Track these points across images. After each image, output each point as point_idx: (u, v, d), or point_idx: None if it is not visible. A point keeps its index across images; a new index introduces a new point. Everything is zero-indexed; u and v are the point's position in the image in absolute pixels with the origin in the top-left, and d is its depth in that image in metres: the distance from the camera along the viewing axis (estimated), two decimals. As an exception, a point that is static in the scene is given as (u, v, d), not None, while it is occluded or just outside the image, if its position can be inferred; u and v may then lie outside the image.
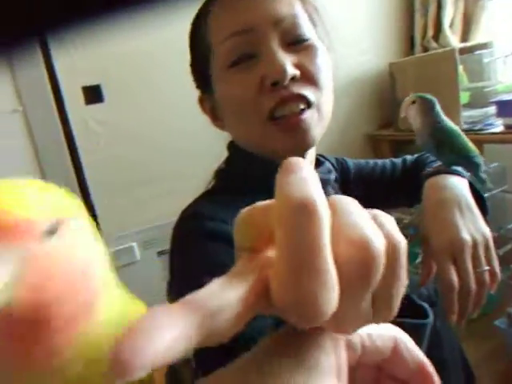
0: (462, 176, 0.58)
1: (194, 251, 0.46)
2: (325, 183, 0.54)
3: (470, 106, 1.81)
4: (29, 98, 1.46)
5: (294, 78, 0.46)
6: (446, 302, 0.48)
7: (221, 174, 0.58)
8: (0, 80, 1.40)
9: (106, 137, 1.60)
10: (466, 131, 1.65)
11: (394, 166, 0.74)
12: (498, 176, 1.28)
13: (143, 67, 1.62)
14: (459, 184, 0.56)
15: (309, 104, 0.47)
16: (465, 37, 2.05)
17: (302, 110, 0.47)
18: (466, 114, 1.74)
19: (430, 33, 2.13)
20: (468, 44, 1.86)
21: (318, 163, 0.59)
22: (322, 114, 0.49)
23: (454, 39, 2.03)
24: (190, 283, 0.42)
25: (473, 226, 0.51)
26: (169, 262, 0.51)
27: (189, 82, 1.82)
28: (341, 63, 2.10)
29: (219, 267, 0.44)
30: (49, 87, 1.48)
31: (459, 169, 0.60)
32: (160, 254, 1.57)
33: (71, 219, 0.20)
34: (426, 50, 2.16)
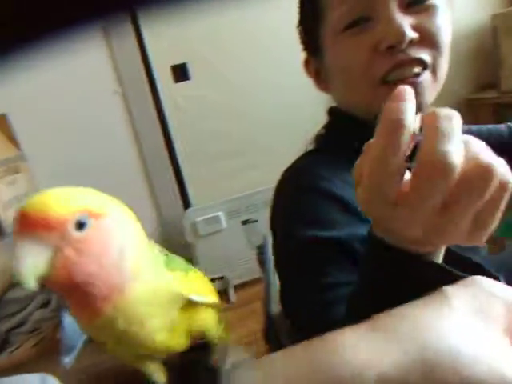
0: None
1: (303, 205, 0.47)
2: None
3: None
4: (126, 80, 1.60)
5: (411, 42, 0.44)
6: None
7: (321, 139, 0.58)
8: (101, 63, 1.55)
9: (193, 112, 1.70)
10: None
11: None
12: None
13: (227, 43, 1.66)
14: None
15: (424, 66, 0.45)
16: None
17: (417, 73, 0.45)
18: None
19: (547, -26, 1.82)
20: None
21: None
22: (437, 76, 0.47)
23: None
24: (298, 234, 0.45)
25: None
26: (274, 216, 0.53)
27: (275, 55, 1.82)
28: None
29: (328, 222, 0.45)
30: (142, 68, 1.60)
31: None
32: (244, 222, 1.65)
33: (102, 215, 0.26)
34: (540, -5, 1.85)
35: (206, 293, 0.37)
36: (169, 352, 0.34)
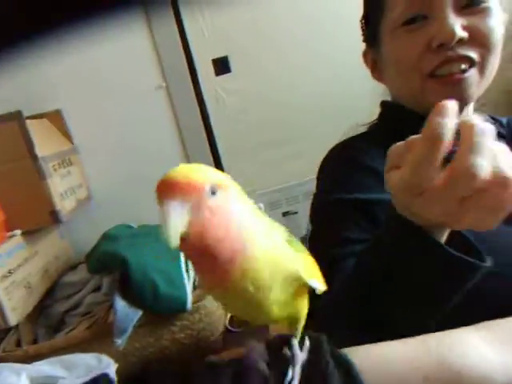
0: None
1: (337, 172, 0.56)
2: None
3: None
4: (170, 74, 1.64)
5: (461, 40, 0.48)
6: None
7: (373, 125, 0.64)
8: (146, 58, 1.61)
9: (235, 105, 1.72)
10: None
11: None
12: None
13: (267, 34, 1.66)
14: None
15: (472, 63, 0.49)
16: None
17: (464, 69, 0.49)
18: None
19: None
20: None
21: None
22: (485, 74, 0.51)
23: None
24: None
25: None
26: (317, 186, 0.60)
27: (315, 45, 1.79)
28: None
29: (354, 187, 0.51)
30: (185, 62, 1.64)
31: None
32: (285, 214, 1.66)
33: (226, 187, 0.30)
34: None
35: (321, 282, 0.38)
36: (273, 322, 0.37)
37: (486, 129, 0.31)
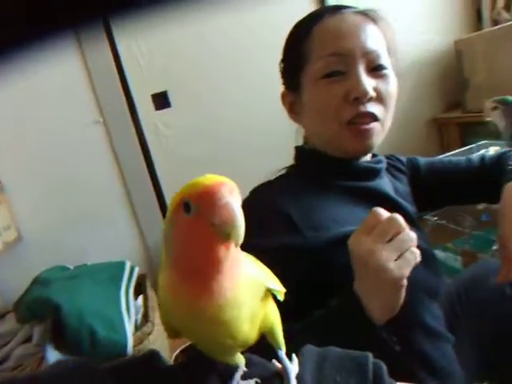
0: None
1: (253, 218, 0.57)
2: (375, 170, 0.65)
3: (550, 79, 1.65)
4: (107, 109, 1.62)
5: (370, 98, 0.58)
6: None
7: (291, 169, 0.68)
8: (82, 94, 1.58)
9: (175, 138, 1.73)
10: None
11: (470, 163, 0.76)
12: None
13: (205, 68, 1.71)
14: None
15: (376, 119, 0.59)
16: (542, 3, 1.87)
17: (369, 123, 0.59)
18: (547, 88, 1.59)
19: (501, 3, 1.97)
20: (546, 11, 1.69)
21: (373, 156, 0.69)
22: (384, 128, 0.62)
23: (529, 7, 1.86)
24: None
25: None
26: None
27: (252, 80, 1.87)
28: (403, 44, 2.02)
29: (267, 232, 0.53)
30: (123, 97, 1.63)
31: None
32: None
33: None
34: (495, 23, 2.00)
35: (278, 283, 0.37)
36: (245, 345, 0.33)
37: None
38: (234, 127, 1.76)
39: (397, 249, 0.44)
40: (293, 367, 0.34)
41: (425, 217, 1.43)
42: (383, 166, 0.67)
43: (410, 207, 0.65)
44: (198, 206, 0.28)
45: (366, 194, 0.62)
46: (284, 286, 0.50)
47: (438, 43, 2.07)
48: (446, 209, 1.40)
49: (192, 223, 0.28)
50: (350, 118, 0.58)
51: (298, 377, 0.32)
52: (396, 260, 0.44)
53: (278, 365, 0.35)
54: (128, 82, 1.63)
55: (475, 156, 0.77)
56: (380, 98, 0.59)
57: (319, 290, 0.53)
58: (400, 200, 0.64)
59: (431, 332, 0.58)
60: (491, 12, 2.03)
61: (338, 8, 0.62)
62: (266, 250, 0.51)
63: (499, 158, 0.73)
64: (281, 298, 0.36)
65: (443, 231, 1.39)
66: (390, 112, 0.62)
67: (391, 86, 0.61)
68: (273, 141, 1.71)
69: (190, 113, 1.74)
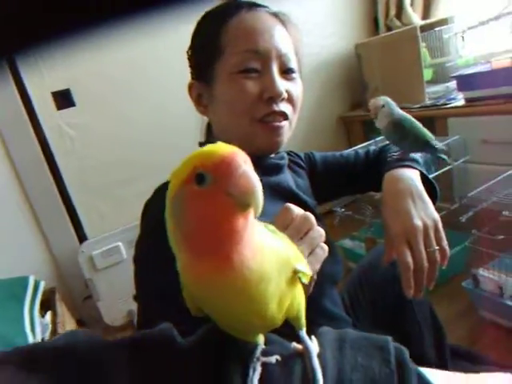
0: (415, 168, 0.67)
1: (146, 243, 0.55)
2: (279, 166, 0.67)
3: (434, 81, 1.88)
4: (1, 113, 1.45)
5: (282, 99, 0.60)
6: (404, 280, 0.56)
7: None
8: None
9: (81, 140, 1.61)
10: (431, 107, 1.73)
11: (357, 156, 0.83)
12: (460, 148, 1.35)
13: (112, 65, 1.62)
14: (412, 176, 0.65)
15: (286, 118, 0.62)
16: (426, 14, 2.11)
17: (281, 121, 0.62)
18: (430, 89, 1.81)
19: (393, 12, 2.18)
20: (429, 21, 1.91)
21: (276, 152, 0.71)
22: (291, 127, 0.65)
23: (415, 17, 2.08)
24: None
25: (423, 213, 0.59)
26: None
27: (163, 80, 1.81)
28: (309, 47, 2.14)
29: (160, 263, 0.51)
30: (17, 95, 1.48)
31: (415, 159, 0.69)
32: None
33: None
34: (390, 29, 2.21)
35: (305, 264, 0.35)
36: (271, 327, 0.31)
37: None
38: (145, 127, 1.70)
39: (309, 246, 0.46)
40: (314, 347, 0.32)
41: (333, 209, 1.54)
42: (286, 161, 0.70)
43: (311, 200, 0.69)
44: (215, 177, 0.26)
45: (271, 189, 0.63)
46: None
47: (341, 47, 2.22)
48: (352, 200, 1.53)
49: (207, 194, 0.26)
50: (262, 116, 0.60)
51: (319, 356, 0.31)
52: (308, 256, 0.46)
53: (297, 345, 0.33)
54: (23, 79, 1.48)
55: (362, 150, 0.84)
56: (290, 100, 0.62)
57: None
58: (301, 194, 0.67)
59: (332, 317, 0.63)
60: (385, 19, 2.24)
61: (254, 5, 0.63)
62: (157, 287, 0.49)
63: (381, 151, 0.81)
64: (306, 280, 0.34)
65: (350, 222, 1.51)
66: (297, 113, 0.65)
67: (299, 89, 0.64)
68: (185, 141, 1.69)
69: (97, 112, 1.63)
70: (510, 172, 1.11)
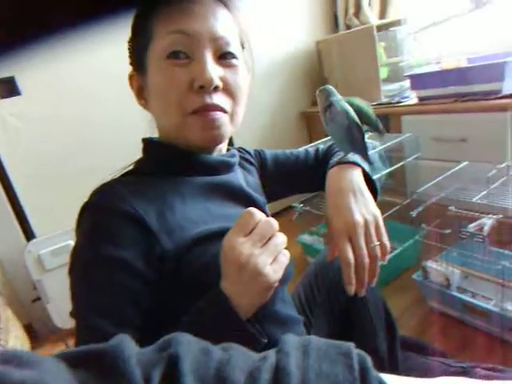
0: (357, 164, 0.66)
1: (96, 224, 0.51)
2: (229, 164, 0.63)
3: (389, 80, 1.94)
4: None
5: (216, 88, 0.54)
6: (344, 276, 0.56)
7: (140, 164, 0.62)
8: None
9: (28, 131, 1.51)
10: (386, 104, 1.78)
11: (307, 155, 0.82)
12: (412, 145, 1.40)
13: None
14: (354, 173, 0.65)
15: (224, 112, 0.56)
16: (383, 14, 2.17)
17: (216, 113, 0.56)
18: (386, 88, 1.87)
19: (351, 10, 2.22)
20: (385, 21, 1.97)
21: (227, 151, 0.68)
22: (234, 121, 0.59)
23: (372, 16, 2.13)
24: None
25: (365, 209, 0.59)
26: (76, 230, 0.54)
27: (110, 77, 1.73)
28: (272, 43, 2.14)
29: (117, 240, 0.48)
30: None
31: (356, 158, 0.68)
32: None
33: None
34: (349, 27, 2.25)
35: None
36: None
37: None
38: (97, 119, 1.62)
39: (272, 252, 0.46)
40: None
41: (292, 204, 1.55)
42: (237, 159, 0.67)
43: (261, 199, 0.67)
44: None
45: (220, 189, 0.60)
46: (142, 297, 0.48)
47: (303, 43, 2.23)
48: (311, 196, 1.54)
49: None
50: (194, 109, 0.54)
51: (282, 366, 0.30)
52: (271, 263, 0.45)
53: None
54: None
55: (312, 148, 0.83)
56: (228, 90, 0.56)
57: (184, 294, 0.51)
58: (252, 193, 0.65)
59: (282, 319, 0.62)
60: (345, 18, 2.28)
61: None
62: (120, 260, 0.47)
63: (327, 149, 0.81)
64: None
65: (309, 217, 1.53)
66: (240, 105, 0.58)
67: (241, 77, 0.57)
68: (136, 136, 1.63)
69: (45, 101, 1.53)
70: (457, 168, 1.17)
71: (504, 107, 1.33)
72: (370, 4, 2.17)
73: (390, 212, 1.33)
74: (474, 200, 0.94)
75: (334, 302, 0.82)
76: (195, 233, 0.52)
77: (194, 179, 0.59)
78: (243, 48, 0.61)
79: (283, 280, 0.67)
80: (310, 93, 2.31)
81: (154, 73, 0.55)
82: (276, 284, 0.46)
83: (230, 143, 0.68)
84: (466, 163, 1.19)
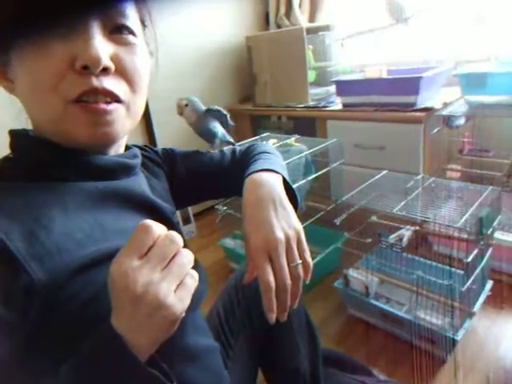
0: (277, 172, 0.60)
1: None
2: (129, 166, 0.52)
3: (316, 83, 1.96)
4: None
5: (106, 70, 0.42)
6: (265, 302, 0.49)
7: (4, 163, 0.47)
8: None
9: None
10: (313, 108, 1.79)
11: (223, 156, 0.73)
12: (336, 150, 1.42)
13: None
14: (273, 181, 0.58)
15: (117, 100, 0.44)
16: (312, 17, 2.19)
17: (109, 102, 0.44)
18: (313, 91, 1.88)
19: (282, 10, 2.20)
20: (314, 24, 1.98)
21: (127, 148, 0.56)
22: (131, 113, 0.47)
23: (303, 18, 2.14)
24: None
25: (286, 223, 0.52)
26: None
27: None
28: (201, 35, 2.02)
29: None
30: None
31: (275, 165, 0.62)
32: None
33: None
34: (279, 26, 2.23)
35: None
36: None
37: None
38: None
39: (176, 276, 0.36)
40: None
41: (215, 206, 1.47)
42: (139, 161, 0.55)
43: (169, 207, 0.57)
44: None
45: (116, 197, 0.48)
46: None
47: (232, 37, 2.16)
48: (234, 199, 1.48)
49: None
50: (77, 96, 0.41)
51: None
52: (176, 290, 0.36)
53: None
54: None
55: (228, 149, 0.75)
56: (122, 73, 0.44)
57: (63, 340, 0.39)
58: (158, 201, 0.54)
59: (194, 352, 0.54)
60: (276, 17, 2.25)
61: None
62: None
63: (246, 152, 0.73)
64: None
65: (232, 220, 1.46)
66: (140, 94, 0.47)
67: (139, 59, 0.46)
68: None
69: None
70: (377, 176, 1.19)
71: (419, 120, 1.40)
72: (300, 6, 2.17)
73: (314, 218, 1.32)
74: (394, 211, 0.96)
75: (254, 316, 0.76)
76: (80, 256, 0.40)
77: (82, 185, 0.46)
78: (144, 26, 0.49)
79: (194, 304, 0.58)
80: (239, 89, 2.25)
81: (19, 46, 0.41)
82: (183, 314, 0.37)
83: (152, 141, 0.57)
84: (385, 172, 1.22)
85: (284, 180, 0.60)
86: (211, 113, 0.81)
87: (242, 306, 0.77)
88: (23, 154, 0.46)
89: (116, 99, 0.43)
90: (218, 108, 0.82)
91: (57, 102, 0.41)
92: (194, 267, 0.44)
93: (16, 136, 0.47)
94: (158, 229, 0.37)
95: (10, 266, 0.37)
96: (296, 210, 0.58)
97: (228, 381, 0.63)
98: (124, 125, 0.46)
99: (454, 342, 0.95)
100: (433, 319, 0.96)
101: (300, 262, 0.51)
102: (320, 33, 1.88)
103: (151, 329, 0.35)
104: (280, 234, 0.50)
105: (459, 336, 0.95)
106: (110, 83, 0.42)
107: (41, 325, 0.38)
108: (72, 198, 0.44)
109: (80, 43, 0.40)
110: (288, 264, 0.50)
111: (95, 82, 0.41)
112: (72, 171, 0.46)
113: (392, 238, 0.93)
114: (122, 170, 0.50)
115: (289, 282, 0.49)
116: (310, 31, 1.84)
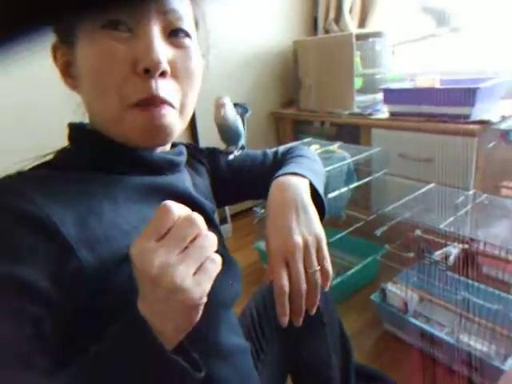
0: (304, 176, 0.59)
1: None
2: (175, 163, 0.54)
3: (363, 91, 1.91)
4: None
5: (164, 73, 0.43)
6: (277, 305, 0.48)
7: (61, 155, 0.49)
8: None
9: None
10: (358, 115, 1.75)
11: (265, 157, 0.73)
12: (381, 160, 1.38)
13: None
14: (300, 186, 0.56)
15: (172, 106, 0.46)
16: (362, 23, 2.15)
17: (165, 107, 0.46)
18: (359, 98, 1.84)
19: (332, 15, 2.18)
20: (364, 31, 1.94)
21: (173, 145, 0.58)
22: (183, 115, 0.49)
23: (352, 24, 2.10)
24: None
25: (306, 229, 0.51)
26: None
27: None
28: (248, 39, 2.04)
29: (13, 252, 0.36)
30: None
31: (303, 169, 0.61)
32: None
33: None
34: (327, 32, 2.20)
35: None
36: None
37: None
38: (11, 99, 1.42)
39: (195, 259, 0.35)
40: None
41: (253, 208, 1.47)
42: (184, 158, 0.56)
43: (210, 205, 0.57)
44: None
45: (161, 192, 0.50)
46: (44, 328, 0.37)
47: (279, 42, 2.16)
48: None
49: None
50: (137, 101, 0.43)
51: None
52: (195, 274, 0.35)
53: None
54: None
55: (271, 150, 0.75)
56: (177, 77, 0.45)
57: (106, 323, 0.40)
58: (200, 198, 0.55)
59: (227, 351, 0.54)
60: (325, 22, 2.23)
61: None
62: (11, 281, 0.35)
63: (286, 153, 0.72)
64: None
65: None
66: (190, 97, 0.48)
67: (194, 62, 0.47)
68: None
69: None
70: (424, 189, 1.14)
71: (472, 133, 1.33)
72: (350, 12, 2.14)
73: (353, 227, 1.29)
74: (441, 226, 0.91)
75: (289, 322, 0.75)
76: (126, 246, 0.41)
77: (130, 179, 0.48)
78: (197, 27, 0.50)
79: (228, 303, 0.58)
80: (283, 93, 2.24)
81: (85, 46, 0.43)
82: (203, 300, 0.35)
83: (195, 140, 0.58)
84: (433, 185, 1.16)
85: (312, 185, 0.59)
86: (237, 108, 0.77)
87: (275, 308, 0.77)
88: (80, 147, 0.49)
89: (170, 105, 0.45)
90: (244, 103, 0.79)
91: (117, 103, 0.43)
92: (230, 266, 0.43)
93: (74, 129, 0.50)
94: (178, 210, 0.36)
95: (62, 249, 0.38)
96: (323, 217, 0.57)
97: (257, 382, 0.63)
98: (176, 128, 0.47)
99: (499, 372, 0.89)
100: (477, 345, 0.90)
101: (318, 268, 0.50)
102: (370, 39, 1.84)
103: (171, 314, 0.35)
104: (298, 239, 0.49)
105: (507, 366, 0.88)
106: (167, 89, 0.44)
107: (83, 311, 0.39)
108: (121, 191, 0.46)
109: (142, 46, 0.41)
110: (306, 270, 0.49)
111: (154, 88, 0.42)
112: (123, 165, 0.48)
113: (437, 254, 0.88)
114: (168, 166, 0.52)
115: (304, 287, 0.48)
116: (359, 37, 1.81)
